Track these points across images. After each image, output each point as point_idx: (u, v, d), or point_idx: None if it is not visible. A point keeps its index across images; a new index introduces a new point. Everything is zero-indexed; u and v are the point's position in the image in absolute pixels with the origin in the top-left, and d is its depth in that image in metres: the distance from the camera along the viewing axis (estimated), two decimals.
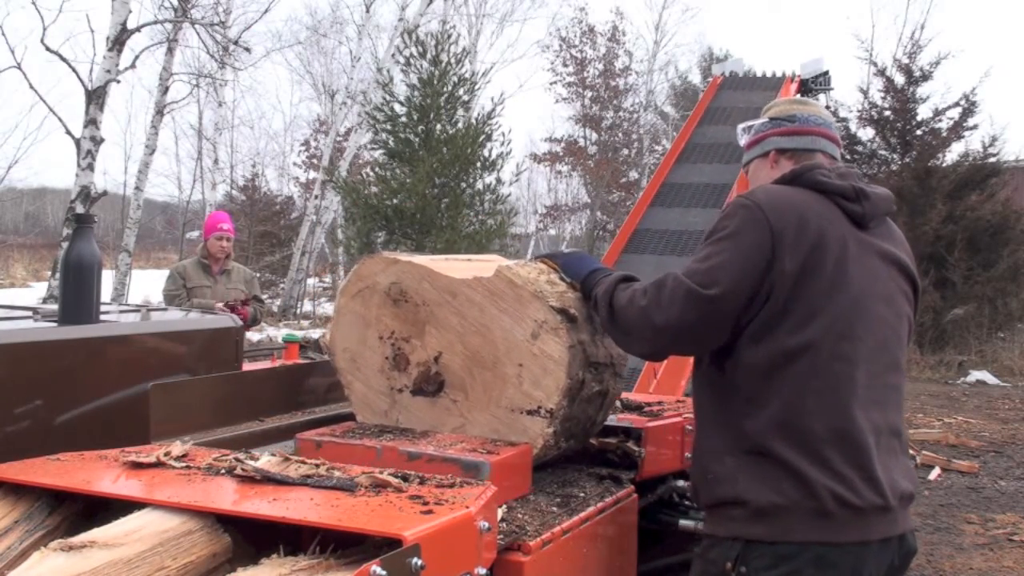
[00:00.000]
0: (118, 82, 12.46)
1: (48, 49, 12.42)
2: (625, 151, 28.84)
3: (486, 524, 1.56)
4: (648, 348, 1.99)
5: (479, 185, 13.72)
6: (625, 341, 2.04)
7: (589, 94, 28.39)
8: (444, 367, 2.29)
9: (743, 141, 2.19)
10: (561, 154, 28.42)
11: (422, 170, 12.61)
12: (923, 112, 15.64)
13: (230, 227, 5.79)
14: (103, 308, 2.63)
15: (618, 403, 2.70)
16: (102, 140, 12.37)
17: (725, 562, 1.82)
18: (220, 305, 5.34)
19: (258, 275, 6.74)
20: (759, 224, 1.82)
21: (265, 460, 1.69)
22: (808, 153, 2.05)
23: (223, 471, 1.65)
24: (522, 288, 2.17)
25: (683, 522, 2.56)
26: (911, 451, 7.43)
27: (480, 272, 2.25)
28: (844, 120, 16.02)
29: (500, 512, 1.83)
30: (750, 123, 2.18)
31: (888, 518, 1.83)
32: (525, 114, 58.86)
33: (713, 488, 1.89)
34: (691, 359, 2.05)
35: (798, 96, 2.15)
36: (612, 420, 2.57)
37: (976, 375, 12.78)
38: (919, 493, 6.42)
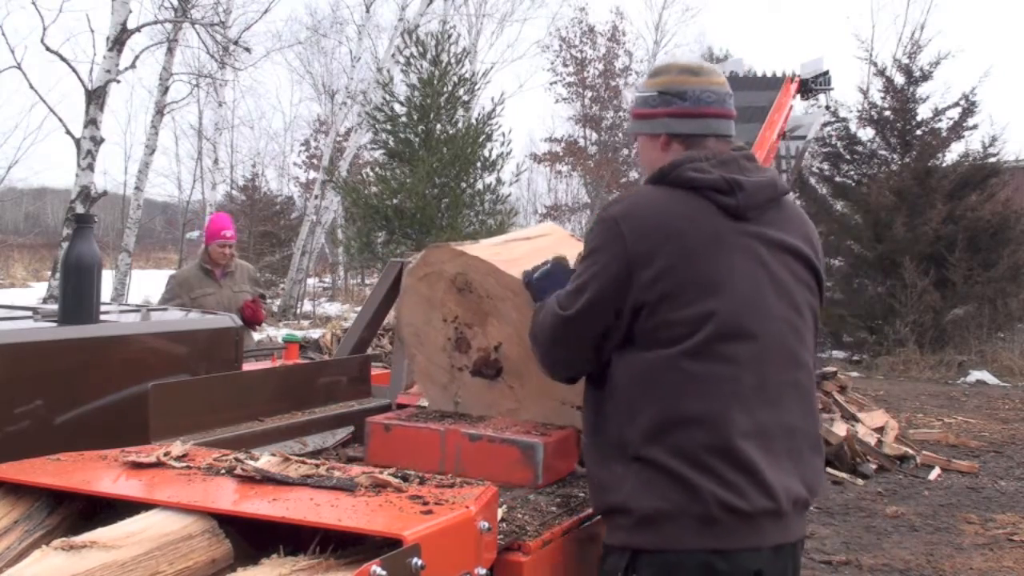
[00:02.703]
0: (118, 82, 12.46)
1: (48, 49, 12.42)
2: (625, 151, 28.83)
3: (486, 524, 1.56)
4: (547, 371, 2.02)
5: (479, 185, 13.73)
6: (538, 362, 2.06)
7: (589, 94, 28.43)
8: (503, 355, 2.42)
9: (632, 106, 2.07)
10: (561, 154, 28.44)
11: (422, 170, 12.62)
12: (923, 112, 15.59)
13: (233, 233, 5.64)
14: (103, 308, 2.63)
15: None
16: (102, 140, 12.36)
17: (616, 572, 1.78)
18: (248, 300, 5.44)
19: (259, 274, 6.70)
20: (615, 239, 1.79)
21: (265, 460, 1.69)
22: (699, 138, 1.91)
23: (223, 471, 1.65)
24: None
25: None
26: (911, 451, 7.44)
27: (541, 257, 2.31)
28: (844, 120, 15.98)
29: (500, 512, 1.83)
30: (641, 92, 2.01)
31: (781, 524, 1.77)
32: (525, 114, 59.01)
33: (601, 496, 1.85)
34: None
35: (690, 61, 2.04)
36: None
37: (976, 375, 12.77)
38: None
